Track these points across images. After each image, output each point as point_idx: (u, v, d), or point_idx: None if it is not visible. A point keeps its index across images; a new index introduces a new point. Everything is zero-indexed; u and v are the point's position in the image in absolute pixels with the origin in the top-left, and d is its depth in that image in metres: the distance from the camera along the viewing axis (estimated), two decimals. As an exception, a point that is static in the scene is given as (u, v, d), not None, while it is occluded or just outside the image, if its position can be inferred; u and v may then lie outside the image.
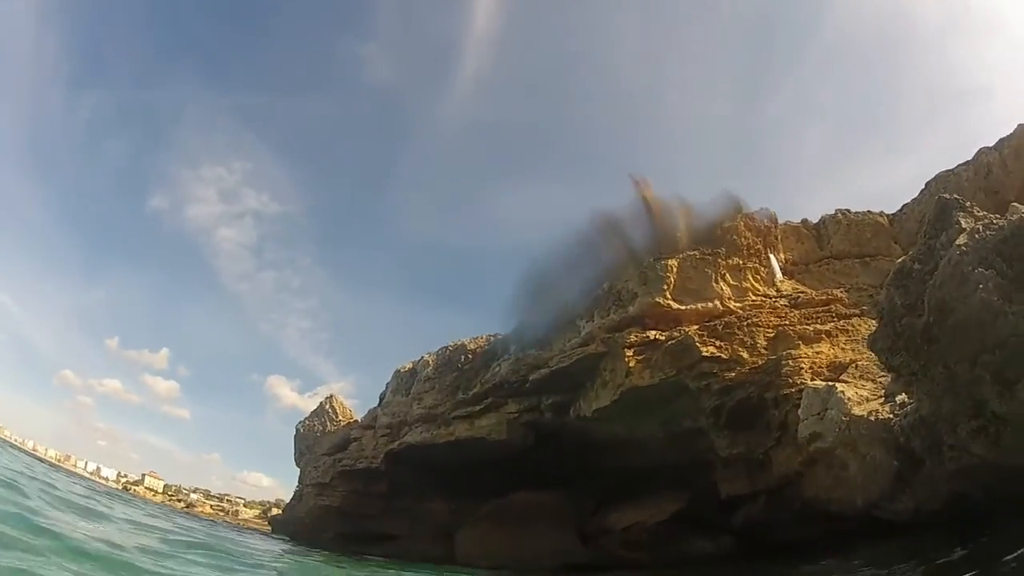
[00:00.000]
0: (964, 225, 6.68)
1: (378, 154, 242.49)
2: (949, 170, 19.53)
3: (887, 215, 21.08)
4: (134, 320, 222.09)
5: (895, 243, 20.09)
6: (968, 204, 7.00)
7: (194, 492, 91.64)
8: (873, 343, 8.14)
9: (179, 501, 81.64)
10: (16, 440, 76.73)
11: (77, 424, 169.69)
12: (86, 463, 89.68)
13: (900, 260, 7.64)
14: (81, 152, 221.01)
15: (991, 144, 18.72)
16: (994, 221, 6.45)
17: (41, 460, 54.69)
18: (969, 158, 19.22)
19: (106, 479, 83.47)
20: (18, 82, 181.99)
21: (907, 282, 7.17)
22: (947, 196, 7.23)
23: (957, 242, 6.47)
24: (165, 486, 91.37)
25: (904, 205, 20.97)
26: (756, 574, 14.17)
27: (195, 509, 73.36)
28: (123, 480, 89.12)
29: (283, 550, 24.57)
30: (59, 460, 79.82)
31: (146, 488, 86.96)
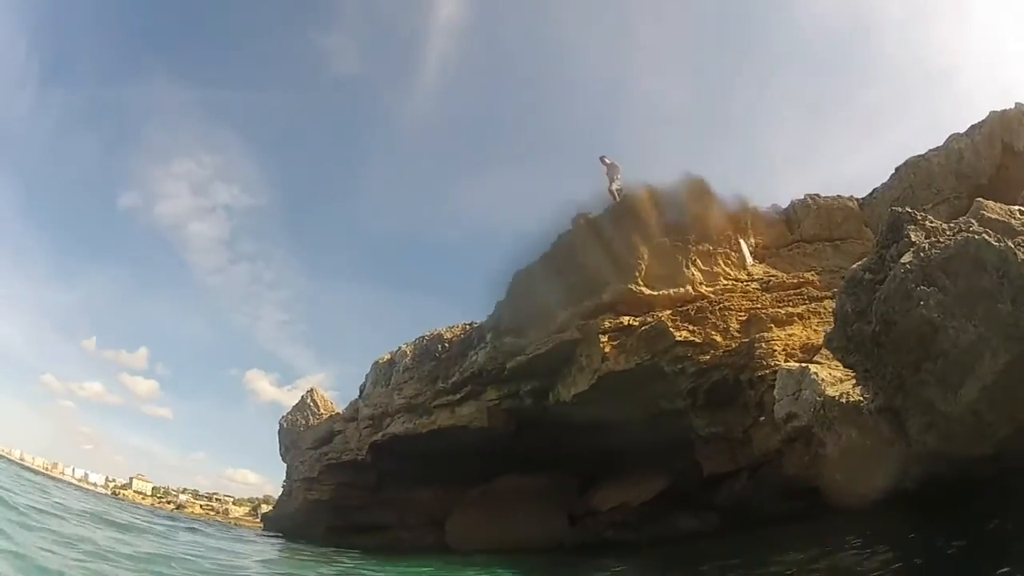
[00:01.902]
0: (914, 239, 7.03)
1: (347, 145, 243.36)
2: (920, 155, 19.95)
3: (857, 199, 21.48)
4: (110, 319, 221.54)
5: (865, 226, 20.47)
6: (920, 216, 7.33)
7: (183, 493, 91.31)
8: (829, 342, 8.56)
9: (169, 503, 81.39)
10: (4, 451, 76.16)
11: (62, 430, 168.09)
12: (73, 469, 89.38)
13: (851, 268, 8.06)
14: (49, 152, 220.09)
15: (961, 131, 19.22)
16: (940, 239, 6.76)
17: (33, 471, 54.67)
18: (939, 143, 19.69)
19: (95, 484, 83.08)
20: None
21: (858, 290, 7.58)
22: (899, 209, 7.57)
23: (903, 260, 6.83)
24: (153, 488, 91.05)
25: (874, 189, 21.42)
26: (741, 547, 14.48)
27: (185, 510, 73.19)
28: (111, 484, 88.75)
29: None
30: (47, 468, 79.31)
31: (135, 492, 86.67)
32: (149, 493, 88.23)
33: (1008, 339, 5.97)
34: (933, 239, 6.85)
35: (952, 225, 7.00)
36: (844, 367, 9.46)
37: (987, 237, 6.33)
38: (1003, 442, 6.46)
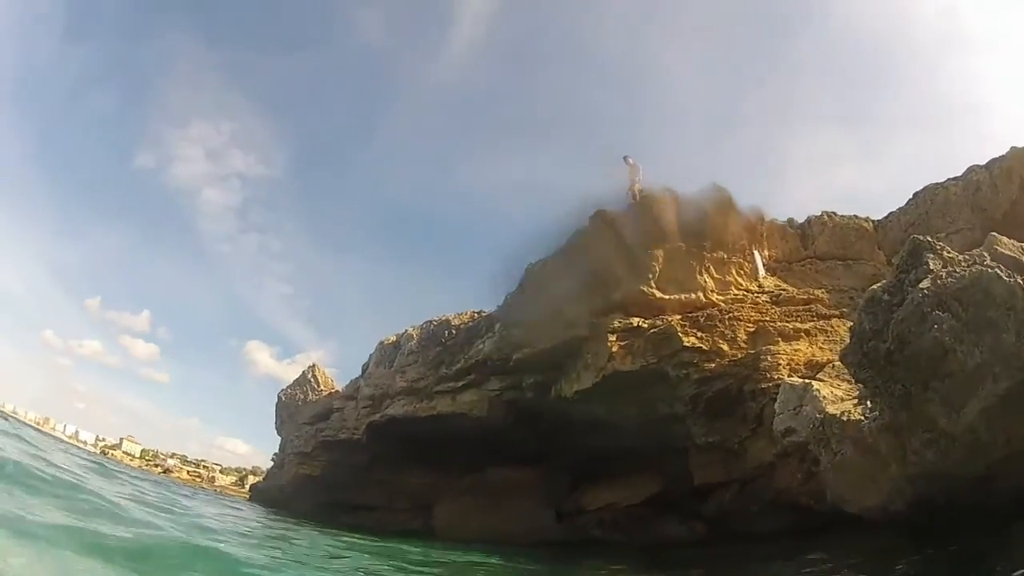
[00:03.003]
0: (932, 267, 7.33)
1: (366, 118, 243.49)
2: (938, 183, 19.86)
3: (872, 221, 21.46)
4: (115, 280, 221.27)
5: (879, 249, 20.48)
6: (939, 247, 7.63)
7: (171, 457, 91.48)
8: (844, 356, 8.81)
9: (156, 466, 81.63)
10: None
11: (56, 386, 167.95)
12: (64, 426, 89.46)
13: (871, 289, 8.30)
14: (67, 105, 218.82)
15: (981, 163, 19.15)
16: (956, 269, 7.11)
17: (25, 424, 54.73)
18: (957, 173, 19.62)
19: (84, 443, 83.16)
20: (7, 37, 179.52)
21: (876, 310, 7.83)
22: (920, 238, 7.87)
23: (921, 285, 7.16)
24: (143, 451, 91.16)
25: (890, 213, 21.35)
26: (727, 561, 14.60)
27: (172, 475, 73.45)
28: (101, 444, 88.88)
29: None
30: (39, 423, 79.58)
31: (124, 453, 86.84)
32: (138, 455, 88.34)
33: (1010, 367, 6.42)
34: (949, 268, 7.19)
35: (967, 257, 7.33)
36: (856, 382, 9.59)
37: (999, 272, 6.75)
38: (995, 464, 6.84)
